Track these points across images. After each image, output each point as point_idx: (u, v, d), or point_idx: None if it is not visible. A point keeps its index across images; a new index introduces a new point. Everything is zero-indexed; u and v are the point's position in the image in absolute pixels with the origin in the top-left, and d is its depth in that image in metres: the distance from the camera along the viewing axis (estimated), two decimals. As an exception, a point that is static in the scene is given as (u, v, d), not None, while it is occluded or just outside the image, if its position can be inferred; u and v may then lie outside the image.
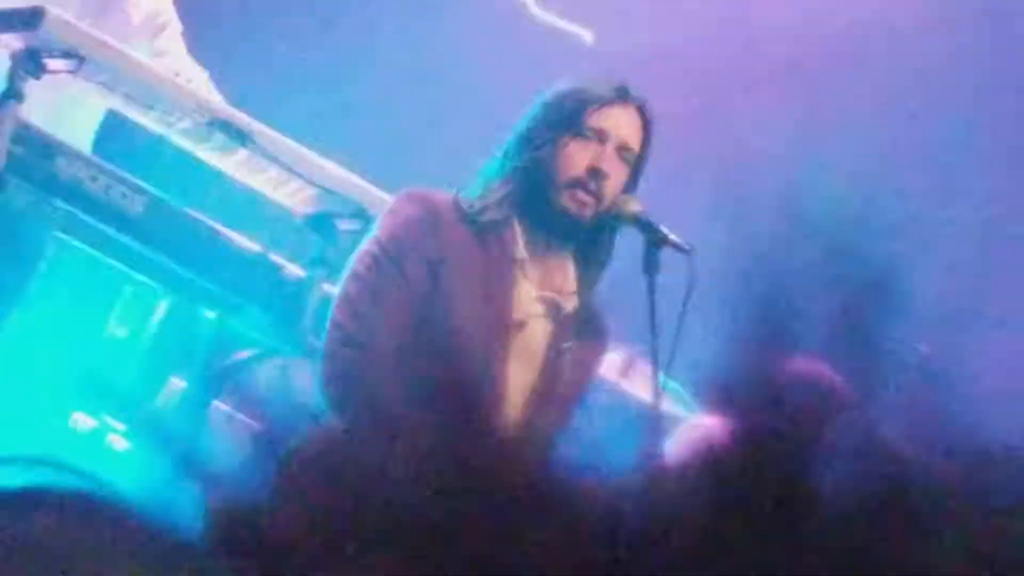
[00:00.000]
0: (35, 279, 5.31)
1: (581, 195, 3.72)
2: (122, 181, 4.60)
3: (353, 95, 7.78)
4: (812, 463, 1.28)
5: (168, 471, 1.35)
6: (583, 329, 3.87)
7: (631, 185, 3.82)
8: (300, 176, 4.68)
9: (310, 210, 4.77)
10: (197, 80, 5.29)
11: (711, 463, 1.31)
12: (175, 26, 5.46)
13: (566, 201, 3.72)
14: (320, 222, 4.73)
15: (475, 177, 3.83)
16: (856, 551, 1.23)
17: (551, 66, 5.54)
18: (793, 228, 1.44)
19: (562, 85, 3.84)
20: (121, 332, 5.90)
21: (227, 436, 5.64)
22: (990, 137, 8.13)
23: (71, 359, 5.89)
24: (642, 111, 3.83)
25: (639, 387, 4.65)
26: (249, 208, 4.86)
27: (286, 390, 6.61)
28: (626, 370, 6.19)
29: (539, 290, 3.81)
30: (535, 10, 8.37)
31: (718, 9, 8.25)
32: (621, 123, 3.78)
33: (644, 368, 6.09)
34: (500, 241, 3.76)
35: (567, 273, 3.86)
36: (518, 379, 3.78)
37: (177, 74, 5.16)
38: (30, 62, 4.38)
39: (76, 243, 4.85)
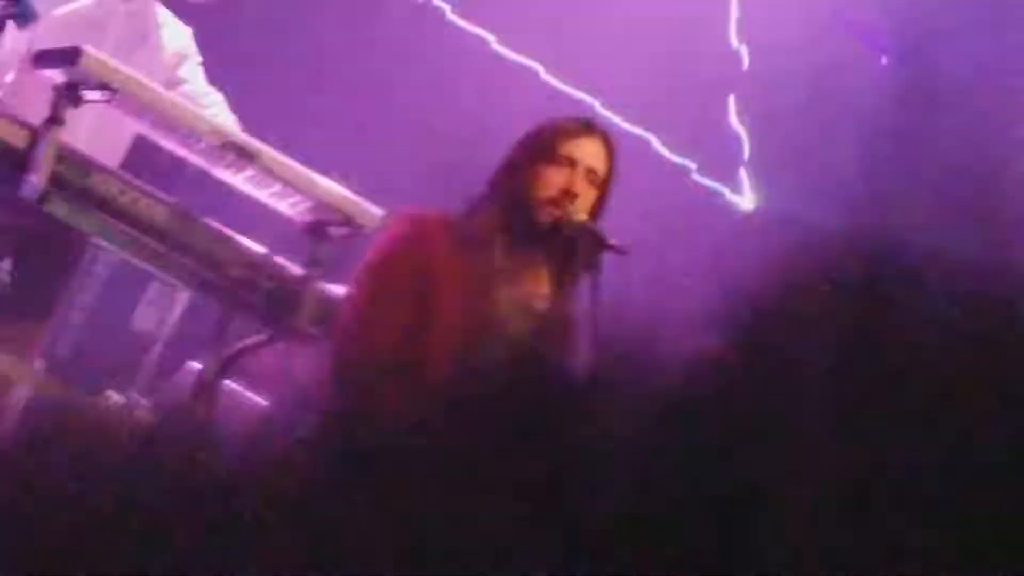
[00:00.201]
0: (76, 278, 5.74)
1: (556, 212, 4.18)
2: (147, 194, 4.94)
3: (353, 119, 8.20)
4: None
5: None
6: (555, 329, 4.22)
7: (600, 204, 4.30)
8: (299, 190, 5.07)
9: (307, 219, 5.15)
10: (215, 102, 5.72)
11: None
12: (195, 58, 5.82)
13: (543, 217, 4.20)
14: (315, 229, 5.12)
15: (463, 197, 4.31)
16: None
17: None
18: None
19: (539, 122, 4.34)
20: (147, 322, 6.42)
21: (236, 411, 6.17)
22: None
23: (105, 347, 6.36)
24: (606, 140, 4.33)
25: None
26: (256, 216, 5.26)
27: (288, 372, 7.18)
28: None
29: (517, 294, 4.25)
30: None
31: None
32: (588, 151, 4.27)
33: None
34: (483, 253, 4.21)
35: (541, 280, 4.30)
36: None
37: (196, 99, 5.57)
38: (70, 93, 4.75)
39: (109, 247, 5.20)
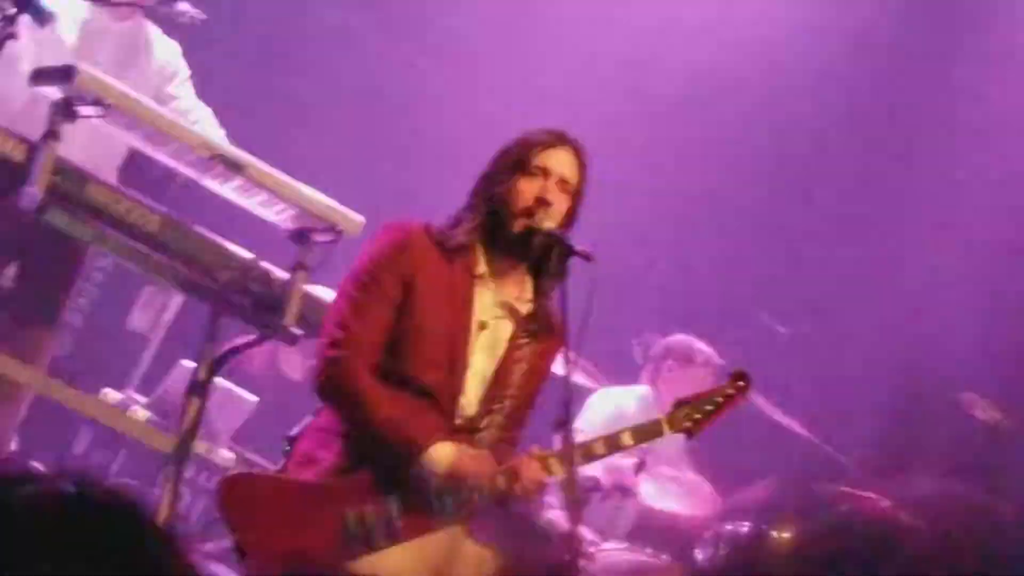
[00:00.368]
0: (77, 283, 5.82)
1: (526, 221, 4.36)
2: (140, 203, 5.06)
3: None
4: None
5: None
6: (539, 328, 4.46)
7: (573, 212, 4.49)
8: (284, 199, 5.22)
9: (292, 226, 5.30)
10: (204, 116, 5.89)
11: None
12: (184, 73, 6.00)
13: (516, 227, 4.39)
14: (300, 235, 5.27)
15: (446, 208, 4.47)
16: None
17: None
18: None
19: (514, 136, 4.51)
20: (141, 323, 6.61)
21: (227, 405, 6.40)
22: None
23: (103, 346, 6.51)
24: (578, 152, 4.52)
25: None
26: (243, 224, 5.39)
27: (275, 369, 7.45)
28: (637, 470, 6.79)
29: (498, 297, 4.45)
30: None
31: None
32: (560, 161, 4.47)
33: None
34: (464, 261, 4.40)
35: (524, 284, 4.50)
36: (480, 366, 4.40)
37: (186, 113, 5.72)
38: (66, 109, 4.87)
39: (105, 253, 5.36)
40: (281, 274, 5.29)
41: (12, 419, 5.75)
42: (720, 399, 4.72)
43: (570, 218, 4.50)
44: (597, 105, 8.35)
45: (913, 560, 6.66)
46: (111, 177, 5.53)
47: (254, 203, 5.31)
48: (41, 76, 5.06)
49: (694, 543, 7.11)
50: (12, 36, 5.08)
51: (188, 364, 5.80)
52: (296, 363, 7.58)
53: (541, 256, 4.44)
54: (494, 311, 4.45)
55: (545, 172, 4.44)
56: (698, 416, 4.68)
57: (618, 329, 7.00)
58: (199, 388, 5.29)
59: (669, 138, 8.93)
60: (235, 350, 5.39)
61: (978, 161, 8.56)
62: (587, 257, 4.35)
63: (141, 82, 5.65)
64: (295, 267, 5.26)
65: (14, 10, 5.04)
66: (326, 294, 5.22)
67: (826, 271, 8.89)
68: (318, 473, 4.33)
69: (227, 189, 5.28)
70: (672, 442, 4.66)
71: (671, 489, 7.25)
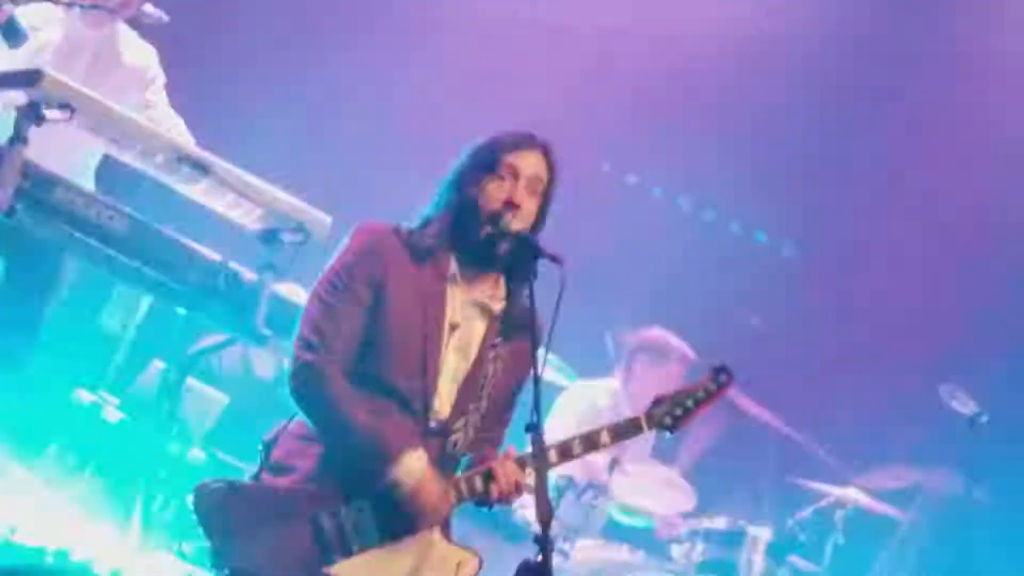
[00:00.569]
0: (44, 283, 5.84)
1: (493, 225, 4.33)
2: (108, 206, 5.09)
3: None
4: None
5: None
6: (514, 327, 4.44)
7: (543, 212, 4.47)
8: (251, 200, 5.25)
9: (260, 226, 5.35)
10: (176, 125, 5.92)
11: None
12: (160, 80, 6.03)
13: (483, 231, 4.35)
14: (268, 236, 5.33)
15: (415, 210, 4.44)
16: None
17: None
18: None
19: (482, 137, 4.48)
20: (113, 323, 6.61)
21: (199, 405, 6.38)
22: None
23: (75, 347, 6.49)
24: (547, 152, 4.50)
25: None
26: (211, 225, 5.44)
27: (246, 369, 7.42)
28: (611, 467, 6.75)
29: (470, 297, 4.43)
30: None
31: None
32: (529, 162, 4.45)
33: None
34: (435, 262, 4.39)
35: (497, 283, 4.48)
36: (453, 368, 4.39)
37: (159, 122, 5.75)
38: (32, 113, 4.90)
39: (74, 256, 5.36)
40: (250, 275, 5.34)
41: None
42: (701, 395, 4.67)
43: (540, 219, 4.49)
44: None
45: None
46: (87, 183, 5.59)
47: (221, 205, 5.33)
48: (6, 81, 5.11)
49: (670, 539, 7.13)
50: None
51: (160, 365, 5.92)
52: (268, 363, 7.57)
53: (511, 257, 4.43)
54: (465, 311, 4.45)
55: (514, 174, 4.43)
56: (678, 413, 4.64)
57: (591, 321, 6.98)
58: (171, 389, 5.35)
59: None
60: (206, 350, 5.48)
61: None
62: (556, 259, 4.33)
63: (119, 88, 5.70)
64: (263, 268, 5.31)
65: None
66: (295, 294, 5.21)
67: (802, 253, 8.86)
68: (293, 481, 4.33)
69: (195, 191, 5.31)
70: (638, 438, 4.63)
71: (644, 485, 7.21)
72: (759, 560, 7.13)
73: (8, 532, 4.96)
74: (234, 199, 5.29)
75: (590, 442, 4.53)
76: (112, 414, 6.17)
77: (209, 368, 6.79)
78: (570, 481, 6.67)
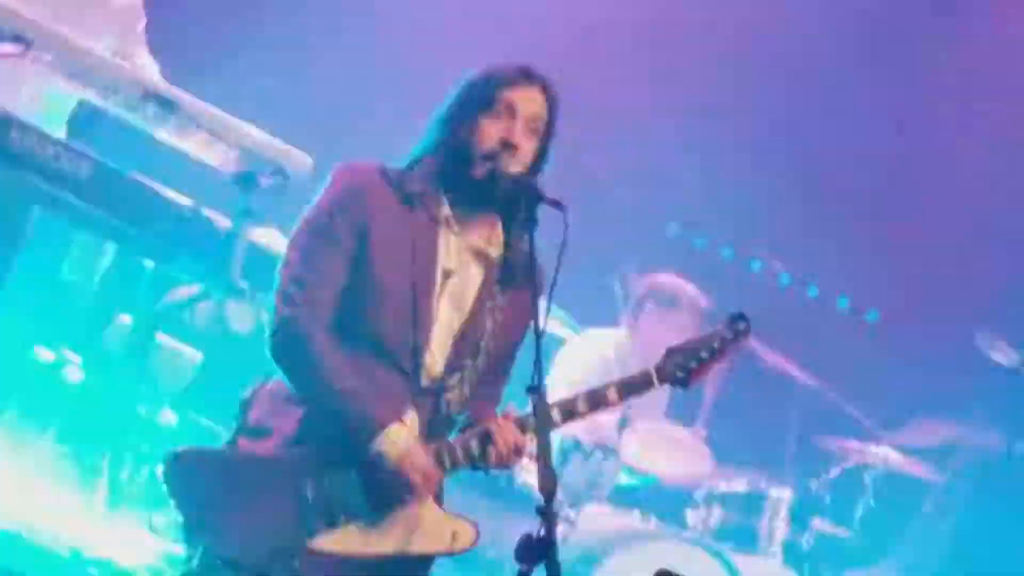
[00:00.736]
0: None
1: (490, 165, 4.10)
2: (69, 148, 4.96)
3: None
4: None
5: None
6: (513, 276, 4.22)
7: (543, 154, 4.24)
8: (225, 140, 5.07)
9: (235, 168, 5.16)
10: (149, 70, 5.66)
11: None
12: (141, 22, 5.81)
13: (479, 172, 4.13)
14: (244, 179, 5.12)
15: (404, 149, 4.20)
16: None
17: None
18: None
19: (474, 70, 4.24)
20: (75, 273, 6.43)
21: (170, 364, 6.23)
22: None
23: (33, 300, 6.39)
24: (546, 88, 4.24)
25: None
26: (181, 168, 5.26)
27: (221, 324, 7.22)
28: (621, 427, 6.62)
29: (465, 242, 4.20)
30: None
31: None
32: (528, 99, 4.20)
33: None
34: (425, 205, 4.16)
35: (494, 226, 4.24)
36: (447, 319, 4.18)
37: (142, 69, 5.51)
38: None
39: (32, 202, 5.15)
40: (224, 222, 5.20)
41: None
42: (716, 345, 4.39)
43: (540, 161, 4.26)
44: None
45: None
46: (59, 131, 5.39)
47: (193, 146, 5.17)
48: None
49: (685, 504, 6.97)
50: None
51: (127, 319, 5.72)
52: (245, 317, 7.45)
53: (508, 202, 4.17)
54: (460, 257, 4.22)
55: (511, 111, 4.19)
56: (692, 366, 4.37)
57: (596, 266, 6.79)
58: (139, 346, 5.27)
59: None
60: (177, 304, 5.34)
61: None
62: (558, 205, 4.09)
63: (102, 24, 5.54)
64: (239, 214, 5.15)
65: None
66: (275, 242, 5.08)
67: (834, 207, 8.68)
68: (273, 445, 4.11)
69: (162, 132, 5.15)
70: (652, 393, 4.40)
71: (657, 446, 7.01)
72: (781, 525, 6.94)
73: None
74: (206, 139, 5.13)
75: (596, 400, 4.27)
76: (74, 373, 5.95)
77: (180, 323, 6.56)
78: (576, 443, 6.49)
